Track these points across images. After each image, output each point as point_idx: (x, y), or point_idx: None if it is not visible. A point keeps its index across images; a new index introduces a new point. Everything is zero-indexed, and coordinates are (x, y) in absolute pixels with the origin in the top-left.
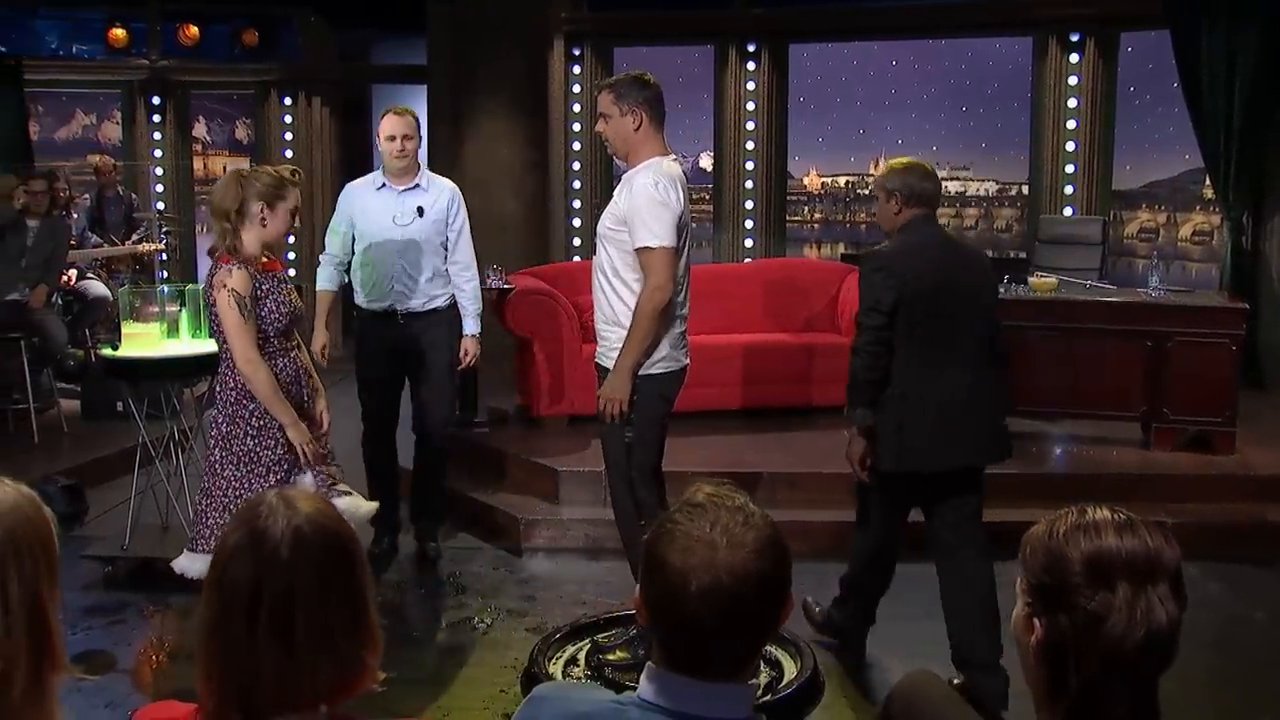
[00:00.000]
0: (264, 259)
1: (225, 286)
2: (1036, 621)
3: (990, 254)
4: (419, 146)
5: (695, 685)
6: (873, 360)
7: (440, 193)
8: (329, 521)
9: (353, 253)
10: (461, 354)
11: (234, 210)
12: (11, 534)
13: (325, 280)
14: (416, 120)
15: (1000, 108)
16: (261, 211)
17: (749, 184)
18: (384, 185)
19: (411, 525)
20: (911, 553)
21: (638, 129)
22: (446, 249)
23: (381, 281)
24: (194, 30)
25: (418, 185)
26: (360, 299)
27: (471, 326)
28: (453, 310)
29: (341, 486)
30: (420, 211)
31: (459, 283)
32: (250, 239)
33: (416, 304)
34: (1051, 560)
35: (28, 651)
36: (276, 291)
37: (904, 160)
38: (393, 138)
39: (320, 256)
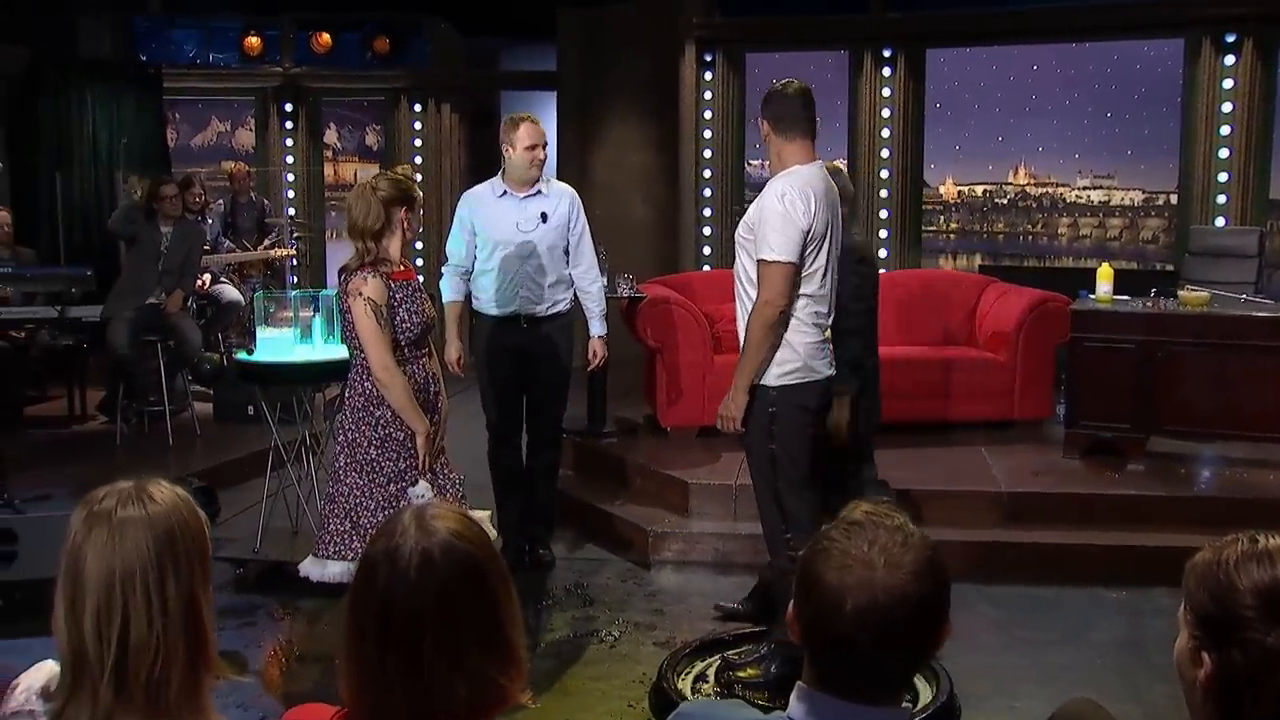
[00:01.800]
0: (399, 267)
1: (361, 295)
2: (1205, 656)
3: (1135, 266)
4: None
5: (846, 707)
6: None
7: (560, 198)
8: (464, 541)
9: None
10: (590, 355)
11: (380, 223)
12: (170, 534)
13: (452, 291)
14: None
15: (1148, 113)
16: (404, 214)
17: (884, 193)
18: (505, 192)
19: (520, 535)
20: (1045, 576)
21: (766, 139)
22: (568, 253)
23: (507, 288)
24: (326, 38)
25: (539, 191)
26: (483, 306)
27: (598, 328)
28: (573, 314)
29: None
30: (544, 217)
31: (583, 285)
32: (394, 245)
33: (540, 309)
34: (1221, 591)
35: (184, 651)
36: (410, 300)
37: None
38: (533, 147)
39: (443, 268)
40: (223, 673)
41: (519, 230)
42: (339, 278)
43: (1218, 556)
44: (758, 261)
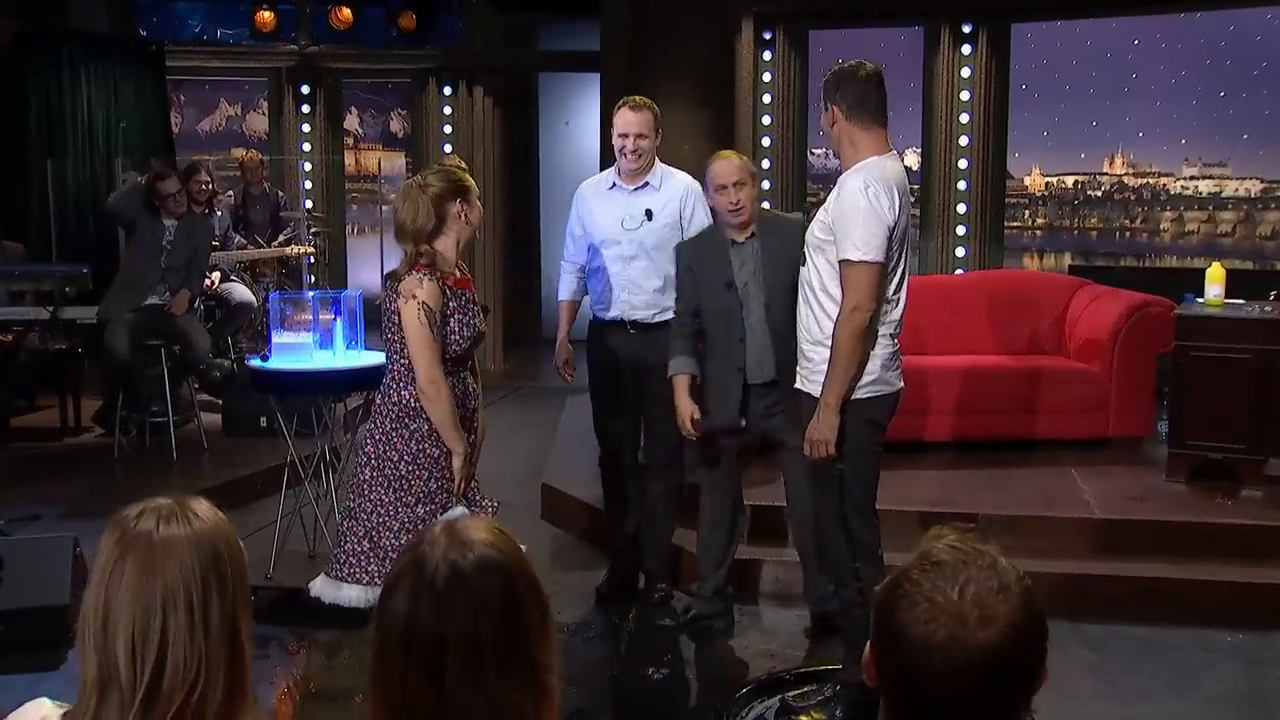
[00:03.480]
0: (458, 272)
1: (415, 298)
2: None
3: (1250, 266)
4: (655, 144)
5: None
6: None
7: (673, 192)
8: (499, 556)
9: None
10: None
11: (431, 224)
12: (216, 553)
13: (566, 290)
14: (656, 114)
15: (1269, 91)
16: (460, 206)
17: (962, 185)
18: (614, 185)
19: (630, 560)
20: (1146, 614)
21: (834, 126)
22: None
23: (609, 290)
24: (347, 13)
25: (648, 184)
26: (594, 308)
27: None
28: None
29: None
30: (649, 214)
31: None
32: (448, 243)
33: (646, 315)
34: None
35: (224, 676)
36: (464, 310)
37: None
38: (624, 135)
39: (561, 264)
40: (258, 712)
41: (622, 228)
42: (384, 285)
43: None
44: (841, 262)
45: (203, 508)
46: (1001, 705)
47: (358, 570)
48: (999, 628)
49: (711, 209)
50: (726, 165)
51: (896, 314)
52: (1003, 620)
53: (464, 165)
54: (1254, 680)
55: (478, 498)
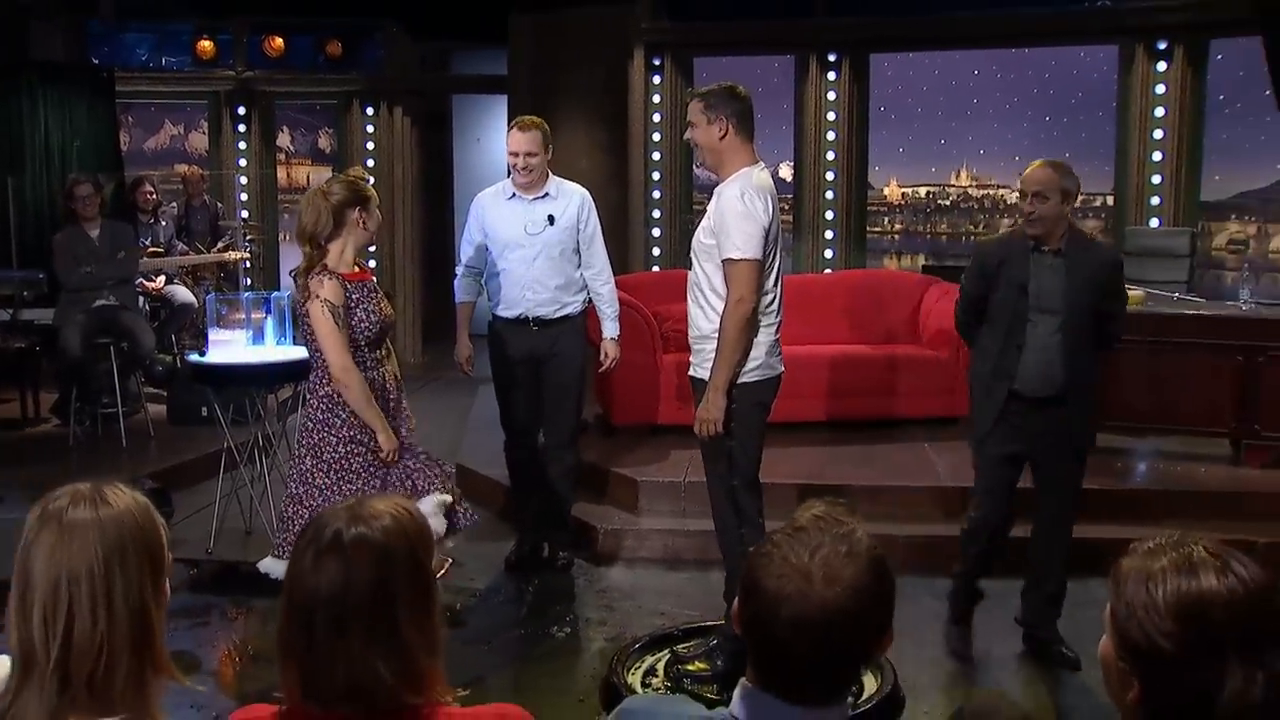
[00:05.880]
0: (355, 268)
1: (318, 297)
2: (1134, 680)
3: None
4: (545, 160)
5: (785, 708)
6: None
7: (570, 199)
8: (374, 538)
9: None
10: (602, 356)
11: (328, 229)
12: (120, 538)
13: (464, 291)
14: (544, 132)
15: (1085, 117)
16: (359, 214)
17: (829, 194)
18: (514, 195)
19: (535, 534)
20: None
21: (723, 138)
22: (579, 255)
23: (514, 290)
24: (279, 42)
25: (547, 194)
26: (496, 308)
27: (611, 329)
28: (584, 318)
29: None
30: (551, 220)
31: (595, 286)
32: (348, 247)
33: (549, 311)
34: (1146, 617)
35: (130, 653)
36: (367, 300)
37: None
38: (515, 153)
39: (457, 268)
40: (174, 676)
41: (526, 233)
42: (293, 276)
43: (1144, 574)
44: (724, 261)
45: (118, 494)
46: (841, 657)
47: None
48: (841, 588)
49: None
50: (1031, 173)
51: (774, 305)
52: (846, 582)
53: (366, 177)
54: (1073, 622)
55: (438, 461)
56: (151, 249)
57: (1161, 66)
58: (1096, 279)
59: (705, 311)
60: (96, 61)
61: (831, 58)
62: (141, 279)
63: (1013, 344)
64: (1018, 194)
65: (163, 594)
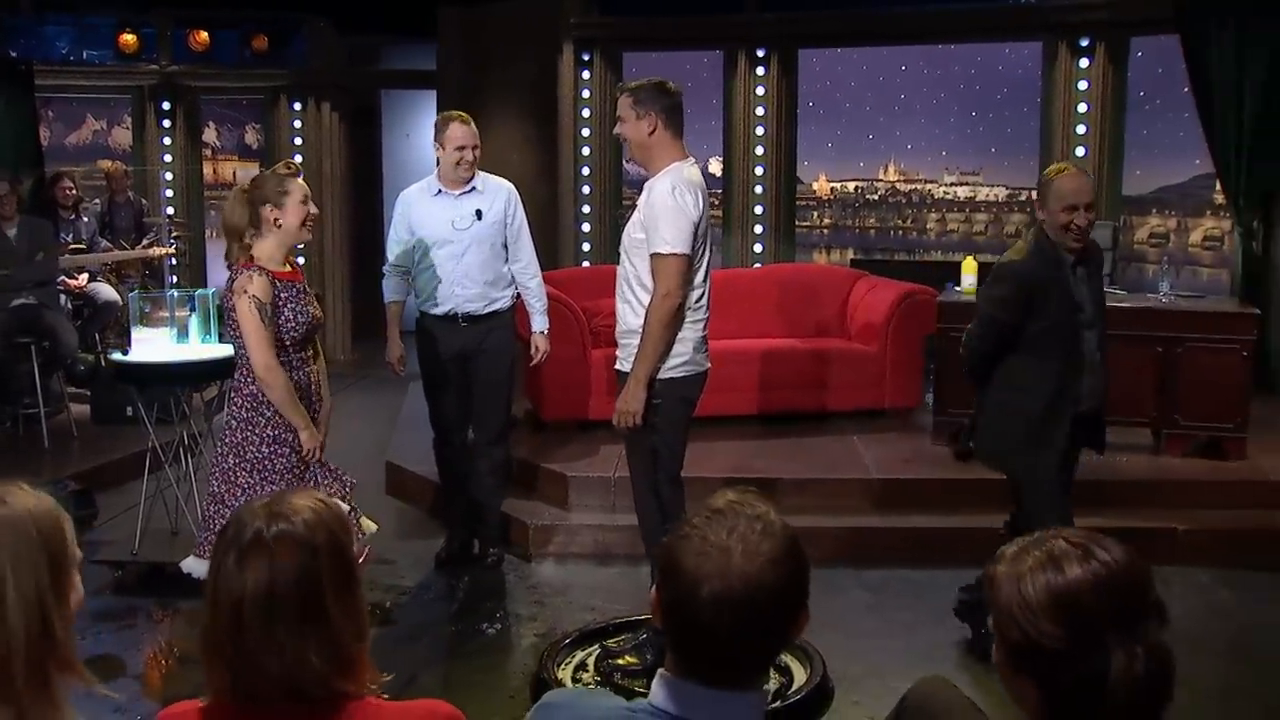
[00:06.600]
0: (286, 267)
1: (246, 292)
2: (1029, 683)
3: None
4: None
5: (706, 693)
6: None
7: (497, 194)
8: (297, 533)
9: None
10: (532, 350)
11: (246, 225)
12: (15, 541)
13: (392, 291)
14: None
15: (1010, 113)
16: (272, 213)
17: (758, 189)
18: (440, 191)
19: (465, 531)
20: (916, 559)
21: (652, 134)
22: (507, 249)
23: (443, 286)
24: (204, 36)
25: (473, 188)
26: (423, 305)
27: (540, 323)
28: (513, 313)
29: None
30: (479, 214)
31: (523, 281)
32: (271, 245)
33: (478, 307)
34: (1023, 616)
35: (25, 647)
36: (296, 300)
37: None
38: (463, 148)
39: (384, 268)
40: (84, 677)
41: (454, 228)
42: (227, 261)
43: (1014, 576)
44: (652, 256)
45: (15, 495)
46: (761, 634)
47: None
48: (761, 562)
49: (1041, 224)
50: (1081, 184)
51: (702, 300)
52: (764, 556)
53: (297, 170)
54: None
55: (339, 473)
56: (73, 246)
57: (1084, 63)
58: (1101, 278)
59: (633, 306)
60: (14, 54)
61: (760, 53)
62: (64, 276)
63: (1074, 367)
64: (1066, 208)
65: (65, 594)
